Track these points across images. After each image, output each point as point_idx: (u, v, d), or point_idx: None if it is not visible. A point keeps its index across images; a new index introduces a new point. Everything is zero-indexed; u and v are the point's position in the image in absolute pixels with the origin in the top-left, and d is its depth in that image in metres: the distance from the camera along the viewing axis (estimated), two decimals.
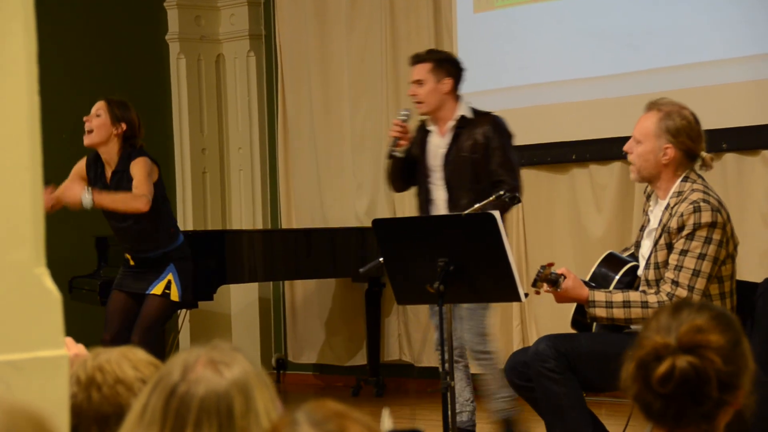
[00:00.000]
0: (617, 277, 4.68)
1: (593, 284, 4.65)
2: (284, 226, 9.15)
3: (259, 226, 9.35)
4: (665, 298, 4.48)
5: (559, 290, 4.52)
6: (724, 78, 7.04)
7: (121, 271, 6.57)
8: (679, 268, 4.47)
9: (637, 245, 4.80)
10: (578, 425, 4.57)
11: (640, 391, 2.26)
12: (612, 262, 4.76)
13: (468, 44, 7.93)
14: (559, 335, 4.67)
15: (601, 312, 4.52)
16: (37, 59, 2.19)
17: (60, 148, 7.30)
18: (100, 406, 2.23)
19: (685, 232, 4.46)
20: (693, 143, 4.54)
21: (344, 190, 8.89)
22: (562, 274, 4.52)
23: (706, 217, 4.45)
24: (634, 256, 4.80)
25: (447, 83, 6.01)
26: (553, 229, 7.74)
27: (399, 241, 4.90)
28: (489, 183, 5.84)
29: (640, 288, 4.60)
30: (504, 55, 7.81)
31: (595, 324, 4.67)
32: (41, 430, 1.60)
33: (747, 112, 6.96)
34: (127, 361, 2.27)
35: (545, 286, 4.55)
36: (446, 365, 4.79)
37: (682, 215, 4.47)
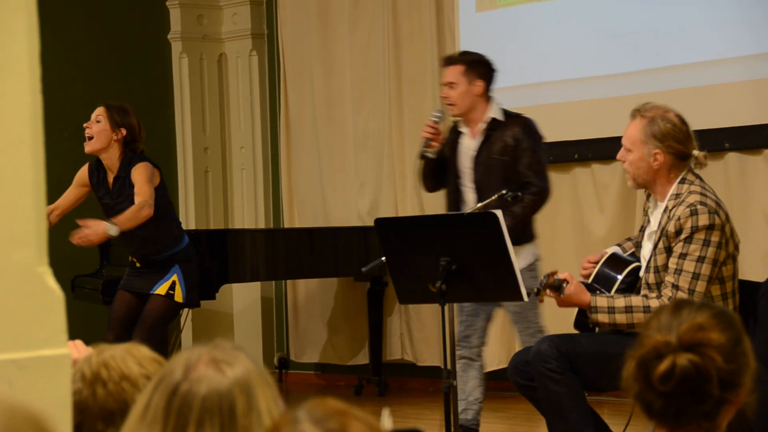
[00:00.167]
0: (620, 278, 4.68)
1: (596, 285, 4.65)
2: (286, 225, 9.14)
3: (262, 225, 9.35)
4: (667, 302, 4.47)
5: (562, 296, 4.51)
6: (726, 77, 7.03)
7: (127, 272, 6.60)
8: (678, 271, 4.46)
9: (638, 245, 4.80)
10: (579, 425, 4.57)
11: (641, 390, 2.26)
12: (615, 262, 4.76)
13: (470, 43, 7.92)
14: (560, 336, 4.67)
15: (603, 317, 4.50)
16: (40, 58, 2.20)
17: (62, 146, 7.30)
18: (105, 402, 2.24)
19: (683, 236, 4.45)
20: (681, 145, 4.53)
21: (346, 189, 8.88)
22: (565, 280, 4.52)
23: (703, 219, 4.44)
24: (636, 256, 4.80)
25: (479, 85, 5.91)
26: (555, 228, 7.73)
27: (401, 240, 4.90)
28: (518, 185, 5.75)
29: (641, 291, 4.59)
30: (506, 54, 7.79)
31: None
32: (41, 430, 1.60)
33: (748, 111, 6.95)
34: (132, 357, 2.28)
35: (548, 292, 4.54)
36: (449, 365, 4.79)
37: (679, 219, 4.46)
